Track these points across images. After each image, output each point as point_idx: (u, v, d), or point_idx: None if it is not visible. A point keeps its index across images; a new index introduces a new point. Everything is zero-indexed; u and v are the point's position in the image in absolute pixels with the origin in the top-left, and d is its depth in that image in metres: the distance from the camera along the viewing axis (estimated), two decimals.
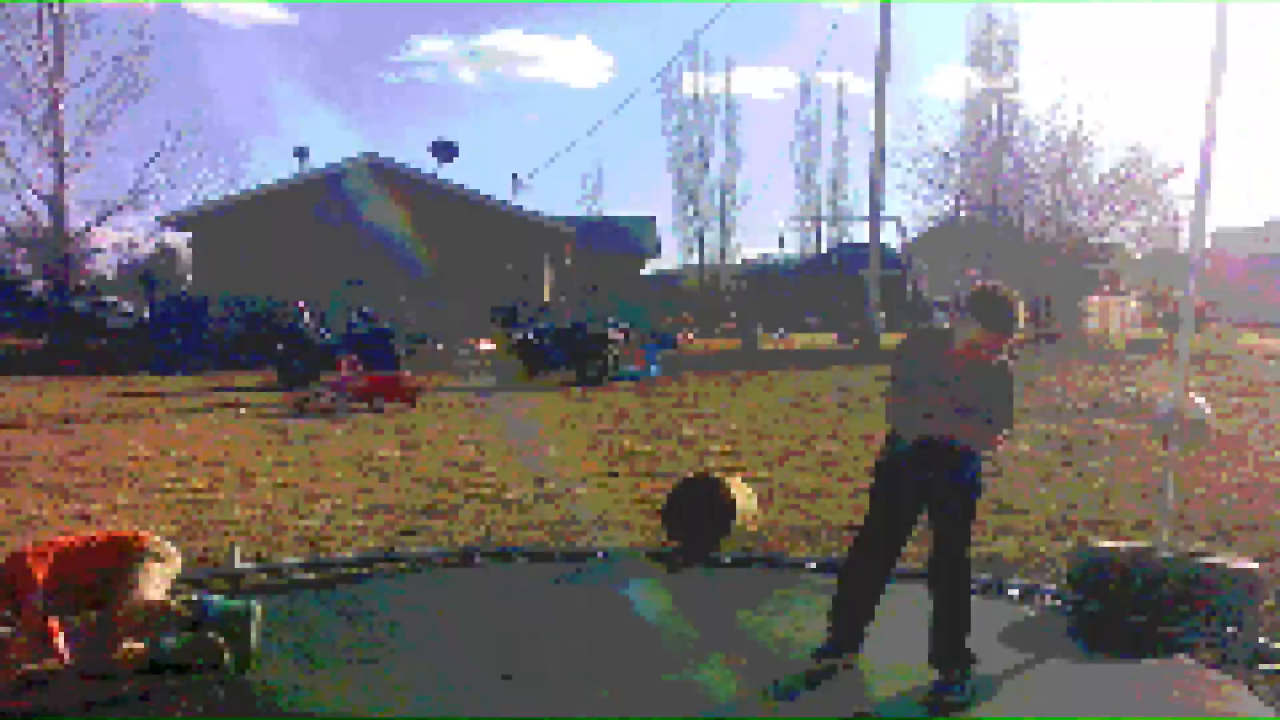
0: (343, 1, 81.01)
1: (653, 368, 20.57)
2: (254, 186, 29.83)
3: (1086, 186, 34.01)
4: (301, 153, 32.99)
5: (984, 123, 36.62)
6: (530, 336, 19.72)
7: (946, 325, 4.34)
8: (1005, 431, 4.27)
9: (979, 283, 4.39)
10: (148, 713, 3.94)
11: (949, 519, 4.25)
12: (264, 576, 5.87)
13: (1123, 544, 5.49)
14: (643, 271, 45.50)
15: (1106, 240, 35.98)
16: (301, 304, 19.20)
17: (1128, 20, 72.79)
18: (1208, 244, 36.06)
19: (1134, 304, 34.43)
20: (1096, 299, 32.74)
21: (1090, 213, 34.42)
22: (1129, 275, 37.94)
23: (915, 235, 41.46)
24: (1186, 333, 5.27)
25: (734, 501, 6.41)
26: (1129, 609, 4.95)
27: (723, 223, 53.59)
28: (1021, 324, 4.10)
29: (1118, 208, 33.65)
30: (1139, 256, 41.64)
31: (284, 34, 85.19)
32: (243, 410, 14.31)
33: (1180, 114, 59.16)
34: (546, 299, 30.31)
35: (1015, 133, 35.89)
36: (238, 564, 5.92)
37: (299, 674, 4.32)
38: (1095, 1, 55.72)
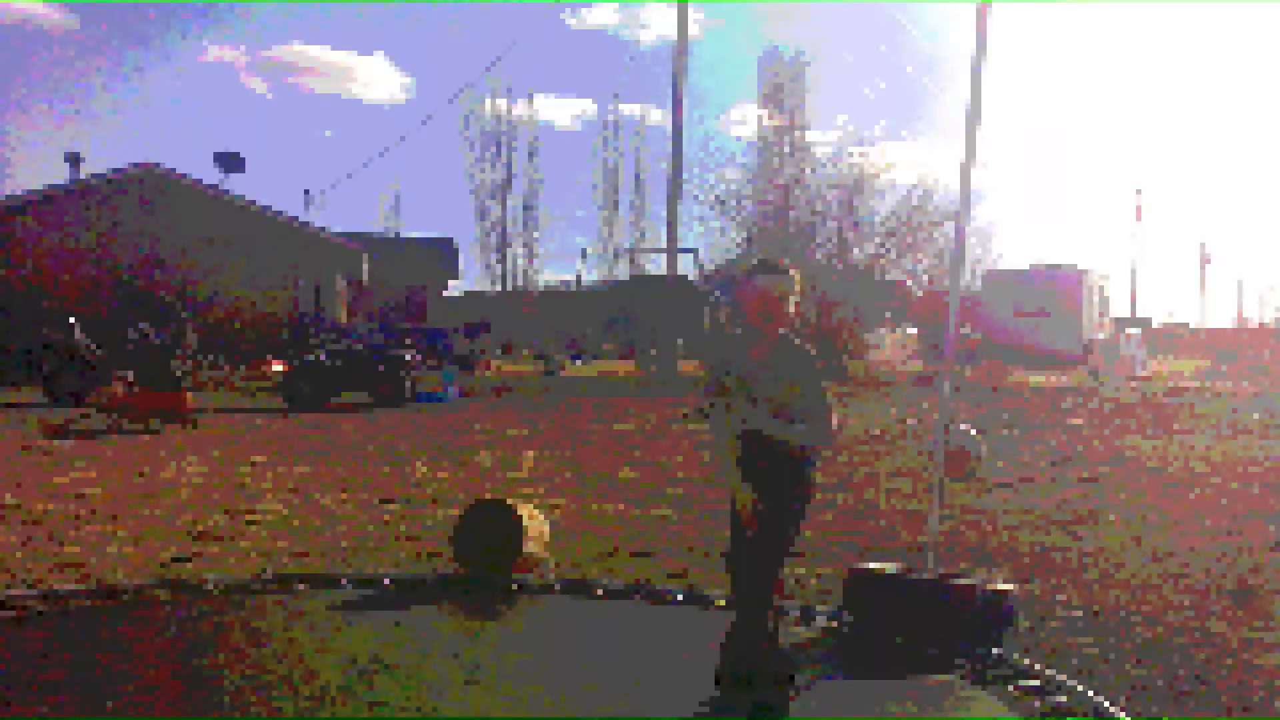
0: (128, 2, 77.28)
1: (450, 389, 20.34)
2: (20, 192, 27.99)
3: (871, 226, 35.66)
4: (74, 158, 31.21)
5: (776, 161, 38.02)
6: (323, 358, 19.18)
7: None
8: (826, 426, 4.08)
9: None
10: None
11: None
12: (32, 606, 5.47)
13: (890, 565, 5.74)
14: (444, 293, 45.01)
15: (889, 278, 37.80)
16: (73, 318, 18.10)
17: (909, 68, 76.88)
18: (978, 285, 38.41)
19: (914, 340, 36.31)
20: (884, 332, 34.38)
21: (876, 249, 36.07)
22: (909, 313, 39.99)
23: (713, 267, 42.52)
24: (949, 367, 5.59)
25: (523, 524, 6.37)
26: (896, 628, 5.18)
27: (526, 247, 53.67)
28: (794, 282, 4.13)
29: (899, 247, 35.40)
30: (919, 294, 43.91)
31: (63, 37, 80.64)
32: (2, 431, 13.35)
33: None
34: (342, 319, 29.59)
35: (804, 170, 37.37)
36: None
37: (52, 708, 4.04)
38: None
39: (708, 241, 50.47)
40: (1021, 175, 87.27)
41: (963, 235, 5.63)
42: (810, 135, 38.82)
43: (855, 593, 5.45)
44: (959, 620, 5.11)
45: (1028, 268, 39.00)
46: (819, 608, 5.79)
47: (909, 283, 39.59)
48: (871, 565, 5.72)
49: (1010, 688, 4.63)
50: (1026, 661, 4.89)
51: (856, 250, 35.95)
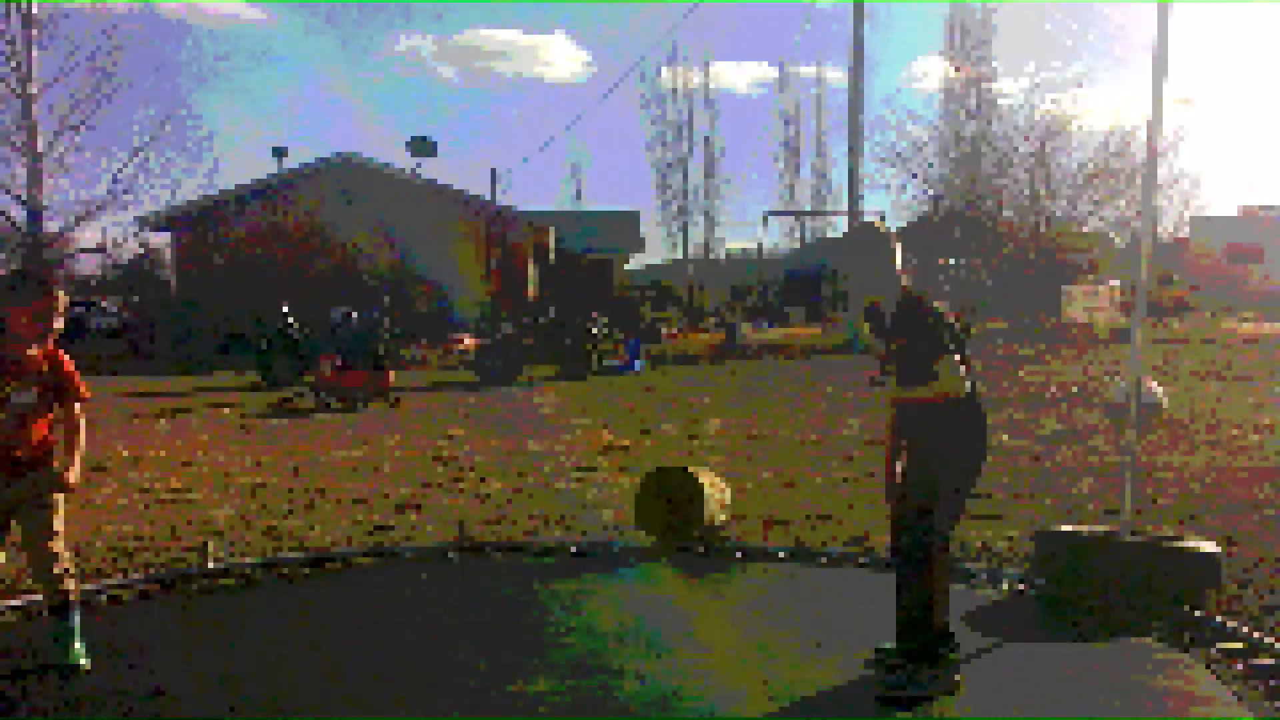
0: (321, 2, 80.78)
1: (636, 363, 20.63)
2: (233, 185, 29.78)
3: (1065, 175, 34.13)
4: (280, 152, 33.00)
5: (961, 113, 36.77)
6: (512, 333, 19.75)
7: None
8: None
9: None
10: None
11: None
12: (255, 573, 5.90)
13: (1085, 528, 5.56)
14: (627, 266, 45.54)
15: (1087, 229, 36.13)
16: (284, 304, 19.19)
17: (1103, 12, 72.91)
18: (1185, 233, 36.29)
19: (1116, 292, 34.59)
20: (1080, 287, 32.90)
21: (1069, 202, 34.54)
22: (1112, 264, 38.12)
23: (897, 228, 41.61)
24: (1139, 319, 5.34)
25: (703, 491, 6.45)
26: (1091, 592, 5.02)
27: (706, 216, 53.70)
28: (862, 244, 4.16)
29: (1096, 197, 33.77)
30: (1121, 245, 41.82)
31: (260, 33, 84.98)
32: (226, 410, 14.32)
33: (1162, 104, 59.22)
34: (531, 295, 30.35)
35: (992, 123, 36.02)
36: (210, 563, 5.94)
37: (261, 665, 4.36)
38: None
39: (892, 201, 49.40)
40: (1233, 113, 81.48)
41: (1153, 179, 5.33)
42: (997, 85, 37.38)
43: (1045, 555, 5.31)
44: (1157, 581, 4.92)
45: (1238, 211, 36.63)
46: (1007, 570, 5.68)
47: (1110, 234, 37.76)
48: (1062, 527, 5.55)
49: (1213, 650, 4.45)
50: (1231, 624, 4.68)
51: (1050, 203, 34.49)
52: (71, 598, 4.28)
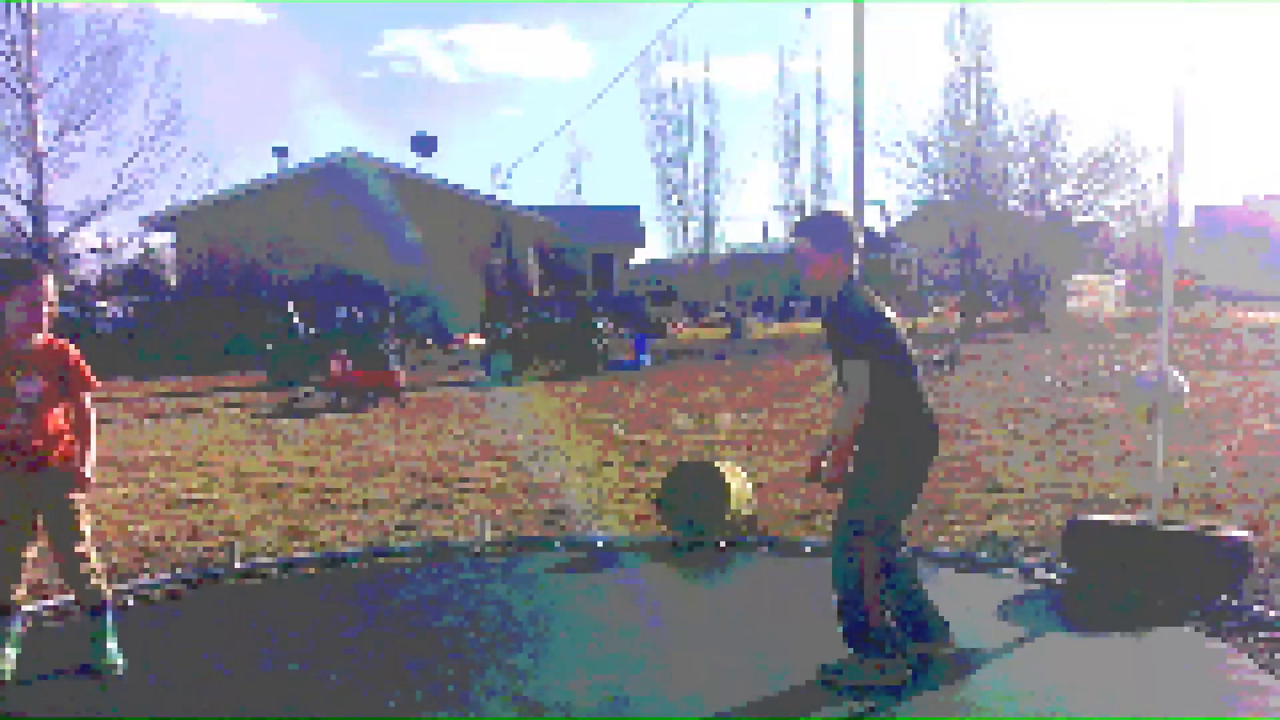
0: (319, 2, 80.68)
1: (642, 358, 20.61)
2: (234, 185, 29.72)
3: (1067, 165, 34.11)
4: (281, 151, 33.02)
5: (961, 104, 36.68)
6: (518, 330, 19.73)
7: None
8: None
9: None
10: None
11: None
12: (270, 573, 5.88)
13: (1115, 516, 5.54)
14: (630, 261, 45.48)
15: (1089, 219, 36.11)
16: (289, 303, 19.16)
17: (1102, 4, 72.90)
18: (1189, 223, 36.26)
19: (1121, 282, 34.57)
20: (1083, 277, 32.89)
21: (1073, 190, 34.51)
22: (1113, 254, 38.12)
23: (899, 219, 41.57)
24: (1166, 306, 5.32)
25: (728, 485, 6.43)
26: (1125, 581, 5.00)
27: (707, 211, 53.59)
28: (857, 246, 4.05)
29: (1099, 186, 33.75)
30: (1123, 235, 41.79)
31: (257, 32, 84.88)
32: (236, 410, 14.30)
33: (1158, 96, 59.46)
34: (534, 291, 30.33)
35: (993, 114, 35.95)
36: (237, 563, 5.92)
37: (304, 666, 4.33)
38: None
39: (894, 194, 49.33)
40: (1231, 101, 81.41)
41: (1179, 166, 5.30)
42: (998, 76, 37.31)
43: (1076, 544, 5.29)
44: (1192, 570, 4.90)
45: (1242, 200, 36.55)
46: (1033, 561, 5.65)
47: (1112, 224, 37.74)
48: (1092, 516, 5.53)
49: (1250, 639, 4.42)
50: (1272, 613, 4.66)
51: (1053, 193, 34.47)
52: (104, 598, 4.26)
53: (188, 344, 24.59)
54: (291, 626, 4.93)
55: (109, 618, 4.26)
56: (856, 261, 4.08)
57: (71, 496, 4.16)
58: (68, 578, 4.24)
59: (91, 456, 4.20)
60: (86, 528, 4.21)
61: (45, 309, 4.13)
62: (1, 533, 4.12)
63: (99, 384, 4.30)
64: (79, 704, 3.98)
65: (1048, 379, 14.64)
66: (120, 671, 4.20)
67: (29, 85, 27.55)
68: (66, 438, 4.18)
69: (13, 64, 27.36)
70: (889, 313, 4.02)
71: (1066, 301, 30.83)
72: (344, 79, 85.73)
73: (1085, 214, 34.71)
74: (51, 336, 4.20)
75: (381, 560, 6.18)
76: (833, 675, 3.99)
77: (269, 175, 30.45)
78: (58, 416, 4.17)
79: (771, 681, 4.08)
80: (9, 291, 4.07)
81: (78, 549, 4.16)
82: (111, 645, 4.24)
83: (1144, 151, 31.59)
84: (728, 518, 6.37)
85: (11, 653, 4.13)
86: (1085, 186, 33.87)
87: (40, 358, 4.12)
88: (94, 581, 4.23)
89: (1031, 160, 33.44)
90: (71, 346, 4.24)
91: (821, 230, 4.11)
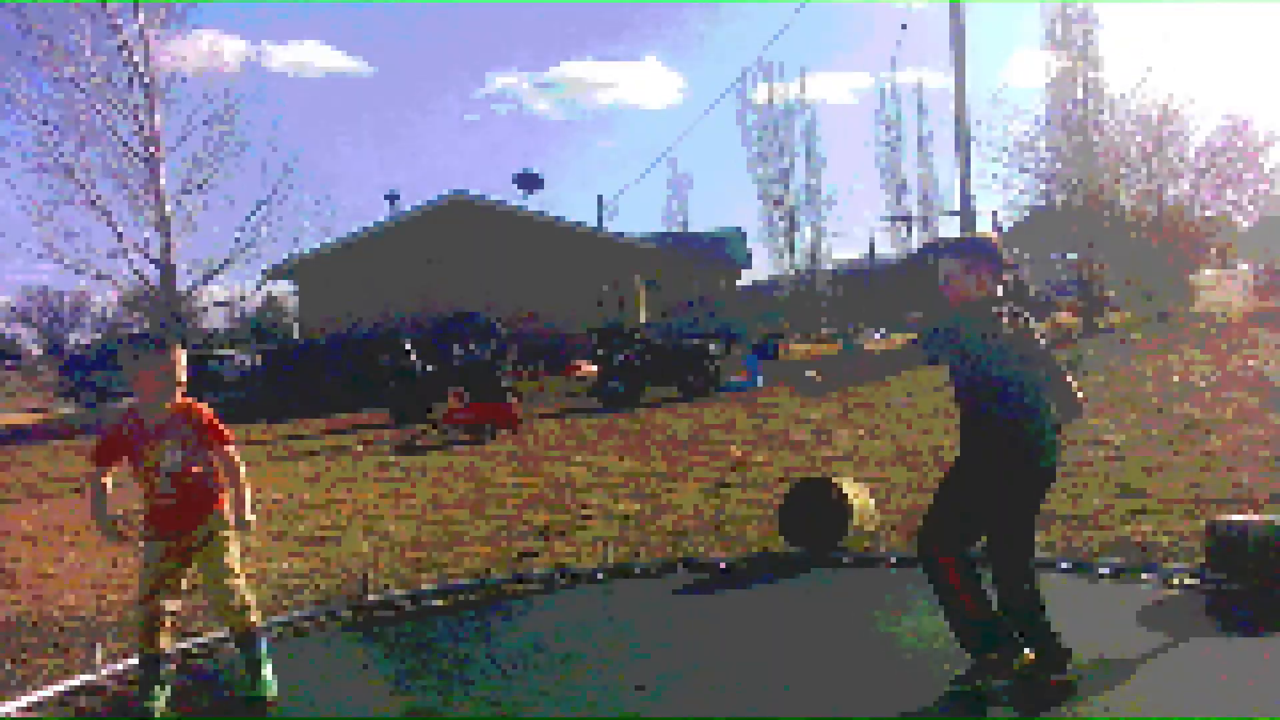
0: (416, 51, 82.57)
1: (756, 378, 20.55)
2: (350, 233, 30.63)
3: (1184, 159, 33.04)
4: (393, 197, 33.97)
5: (1068, 104, 35.75)
6: (631, 357, 19.85)
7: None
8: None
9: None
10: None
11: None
12: (404, 605, 6.02)
13: (1257, 518, 5.33)
14: (737, 283, 45.42)
15: (1210, 214, 34.88)
16: (408, 344, 19.62)
17: None
18: None
19: (1249, 276, 33.25)
20: (1209, 273, 31.74)
21: (1191, 186, 33.41)
22: (1238, 248, 36.69)
23: (1010, 226, 40.72)
24: None
25: (850, 501, 6.38)
26: (1271, 585, 4.81)
27: (812, 228, 53.24)
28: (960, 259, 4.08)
29: (1219, 179, 32.58)
30: (1246, 226, 40.24)
31: (363, 83, 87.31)
32: (359, 448, 14.68)
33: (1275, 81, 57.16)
34: (643, 318, 30.49)
35: (1102, 112, 34.95)
36: (370, 596, 6.08)
37: (434, 697, 4.43)
38: None
39: (1004, 198, 48.23)
40: None
41: None
42: (1104, 73, 36.22)
43: (1220, 546, 5.10)
44: None
45: None
46: (1171, 565, 5.48)
47: (1235, 216, 36.34)
48: (1232, 518, 5.33)
49: None
50: None
51: (1170, 189, 33.40)
52: (255, 628, 4.42)
53: (312, 388, 25.35)
54: (423, 656, 5.04)
55: (262, 647, 4.43)
56: (1002, 281, 4.12)
57: (224, 534, 4.34)
58: (221, 611, 4.41)
59: (248, 500, 4.38)
60: (236, 563, 4.39)
61: (180, 377, 4.31)
62: (154, 588, 4.31)
63: (232, 434, 4.47)
64: None
65: (1176, 378, 14.15)
66: (273, 698, 4.35)
67: (153, 150, 28.86)
68: (212, 490, 4.36)
69: (136, 128, 28.70)
70: (1007, 333, 3.98)
71: (1192, 299, 29.78)
72: (449, 123, 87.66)
73: (1205, 209, 33.53)
74: (180, 399, 4.36)
75: (508, 588, 6.27)
76: (963, 683, 3.96)
77: (382, 221, 31.30)
78: (202, 476, 4.34)
79: (906, 695, 4.03)
80: (140, 362, 4.28)
81: (228, 582, 4.34)
82: (266, 673, 4.40)
83: (1267, 139, 30.46)
84: (850, 533, 6.31)
85: (162, 695, 4.30)
86: (1204, 180, 32.77)
87: (175, 424, 4.30)
88: (247, 612, 4.39)
89: (1148, 157, 32.47)
90: (201, 405, 4.41)
91: (965, 252, 4.17)
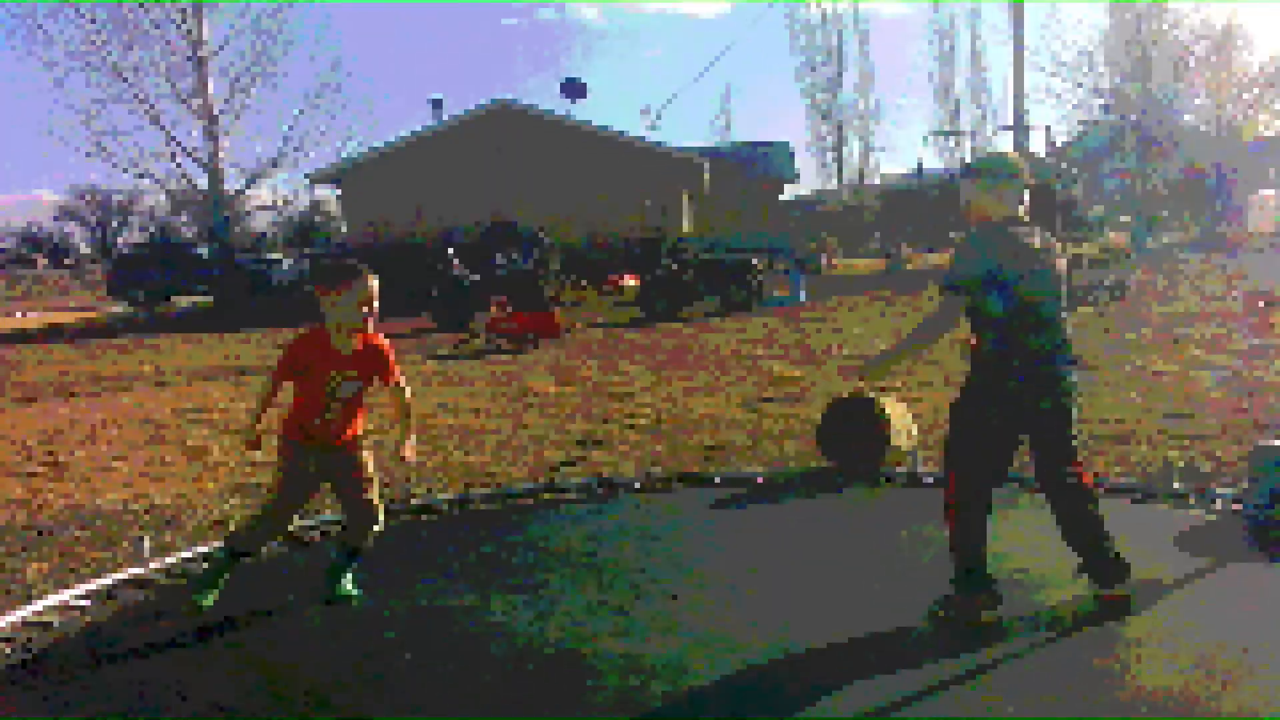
0: None
1: (800, 293, 20.44)
2: (394, 138, 30.53)
3: (1246, 77, 32.10)
4: (437, 103, 33.70)
5: (1128, 15, 34.68)
6: (674, 268, 19.78)
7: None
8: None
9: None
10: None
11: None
12: (445, 509, 6.11)
13: None
14: (781, 197, 44.92)
15: (1270, 134, 33.95)
16: (451, 250, 19.66)
17: None
18: None
19: None
20: (1268, 193, 31.00)
21: (1251, 105, 32.50)
22: None
23: (1065, 142, 39.87)
24: None
25: (889, 419, 6.36)
26: None
27: (860, 141, 52.42)
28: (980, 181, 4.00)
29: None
30: None
31: None
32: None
33: None
34: (687, 230, 30.29)
35: (1164, 26, 33.87)
36: (413, 500, 6.18)
37: (473, 598, 4.51)
38: None
39: (1059, 115, 47.20)
40: None
41: None
42: None
43: (1264, 471, 5.04)
44: None
45: None
46: (1220, 489, 5.43)
47: None
48: (1277, 441, 5.26)
49: None
50: None
51: (1230, 106, 32.52)
52: (367, 547, 4.51)
53: None
54: (461, 559, 5.12)
55: (356, 562, 4.53)
56: (1024, 201, 3.99)
57: (365, 453, 4.42)
58: (357, 520, 4.47)
59: (412, 438, 4.47)
60: (375, 489, 4.46)
61: (374, 311, 4.28)
62: (287, 496, 4.38)
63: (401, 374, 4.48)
64: (303, 631, 4.25)
65: (1229, 300, 13.91)
66: (356, 603, 4.46)
67: (199, 51, 28.80)
68: (361, 411, 4.41)
69: (185, 30, 28.62)
70: (1021, 256, 3.87)
71: (1247, 219, 29.15)
72: (492, 28, 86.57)
73: (1266, 128, 32.64)
74: (369, 334, 4.34)
75: (548, 496, 6.34)
76: (933, 611, 3.99)
77: (426, 127, 31.12)
78: (360, 401, 4.38)
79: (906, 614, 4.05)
80: (336, 287, 4.23)
81: (369, 496, 4.42)
82: (347, 580, 4.52)
83: None
84: (889, 451, 6.31)
85: (213, 595, 4.37)
86: (1266, 98, 31.85)
87: (361, 359, 4.30)
88: (373, 532, 4.47)
89: (1205, 77, 31.55)
90: (384, 341, 4.40)
91: (983, 172, 4.07)
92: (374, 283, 4.27)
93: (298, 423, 4.34)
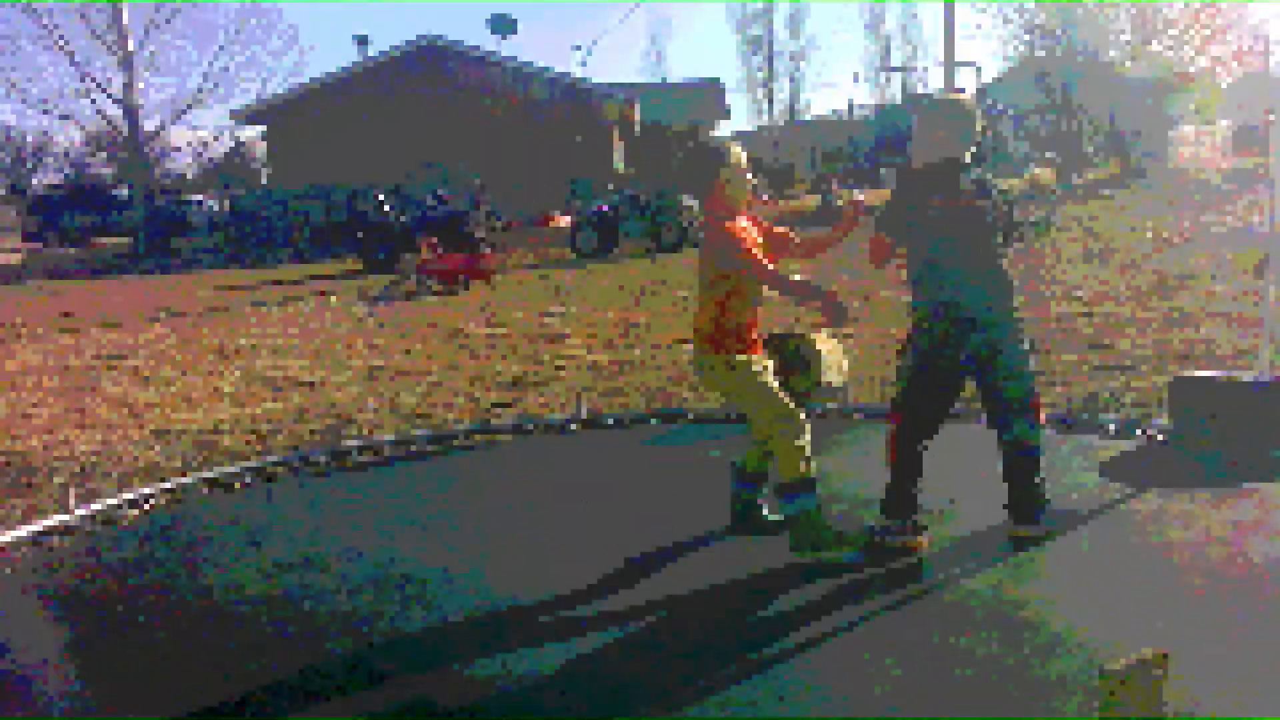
0: None
1: None
2: (319, 76, 29.86)
3: (1169, 13, 32.47)
4: (362, 40, 33.00)
5: None
6: (605, 209, 19.67)
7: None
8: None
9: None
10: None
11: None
12: (373, 453, 6.07)
13: (1220, 373, 5.40)
14: (713, 134, 44.80)
15: (1191, 70, 34.43)
16: (379, 192, 19.35)
17: None
18: None
19: (1226, 133, 33.09)
20: (1189, 129, 31.53)
21: (1174, 40, 32.91)
22: (1219, 105, 36.37)
23: (993, 78, 40.12)
24: (1276, 155, 5.08)
25: (819, 354, 6.40)
26: (1233, 437, 4.90)
27: (791, 79, 52.40)
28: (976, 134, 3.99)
29: (1205, 33, 32.08)
30: (1227, 82, 39.82)
31: None
32: (332, 298, 14.60)
33: None
34: (619, 169, 30.12)
35: None
36: (346, 443, 6.12)
37: (410, 541, 4.49)
38: None
39: (987, 51, 47.40)
40: None
41: None
42: None
43: (1182, 402, 5.18)
44: None
45: None
46: (1137, 420, 5.57)
47: (1217, 69, 35.92)
48: (1197, 373, 5.40)
49: None
50: None
51: (1154, 43, 32.91)
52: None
53: (281, 234, 25.06)
54: (395, 503, 5.09)
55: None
56: (974, 142, 4.02)
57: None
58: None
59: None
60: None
61: (747, 189, 4.03)
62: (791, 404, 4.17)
63: None
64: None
65: (1149, 235, 14.20)
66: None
67: None
68: None
69: None
70: (936, 209, 3.91)
71: (1169, 155, 29.66)
72: None
73: (1189, 65, 33.12)
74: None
75: (481, 438, 6.32)
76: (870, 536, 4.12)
77: (351, 64, 30.46)
78: None
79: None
80: (725, 158, 3.96)
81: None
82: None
83: None
84: (817, 385, 6.35)
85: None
86: (1189, 35, 32.28)
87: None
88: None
89: (1129, 15, 31.89)
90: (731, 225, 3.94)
91: (925, 114, 4.09)
92: (742, 158, 4.01)
93: (749, 330, 4.15)
